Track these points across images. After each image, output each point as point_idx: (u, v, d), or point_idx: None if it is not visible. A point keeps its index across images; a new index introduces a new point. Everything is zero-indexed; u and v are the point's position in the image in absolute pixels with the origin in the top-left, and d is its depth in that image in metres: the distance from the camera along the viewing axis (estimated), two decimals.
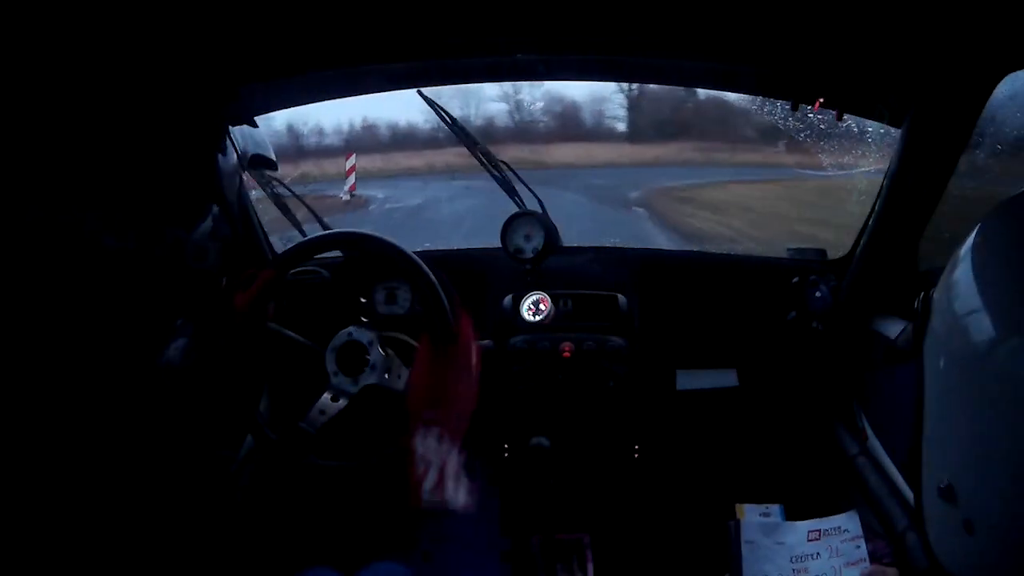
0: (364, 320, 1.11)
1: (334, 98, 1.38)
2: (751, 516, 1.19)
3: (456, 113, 1.29)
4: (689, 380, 1.42)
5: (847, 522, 1.14)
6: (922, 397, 0.48)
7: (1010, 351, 0.39)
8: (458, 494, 0.73)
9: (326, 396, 1.01)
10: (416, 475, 0.74)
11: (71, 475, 0.40)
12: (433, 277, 1.02)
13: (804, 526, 1.16)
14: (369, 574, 0.57)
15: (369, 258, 1.27)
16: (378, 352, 0.99)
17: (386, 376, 1.01)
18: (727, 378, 1.41)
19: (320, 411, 1.00)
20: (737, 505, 1.21)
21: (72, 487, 0.41)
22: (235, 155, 0.65)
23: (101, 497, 0.43)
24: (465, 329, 0.85)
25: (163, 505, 0.50)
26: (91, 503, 0.42)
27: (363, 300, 1.23)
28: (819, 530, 1.15)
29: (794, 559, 1.13)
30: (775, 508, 1.20)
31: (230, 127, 1.10)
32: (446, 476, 0.74)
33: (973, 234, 0.46)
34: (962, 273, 0.45)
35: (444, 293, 1.01)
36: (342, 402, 1.00)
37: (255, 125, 1.19)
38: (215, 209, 0.46)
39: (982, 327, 0.42)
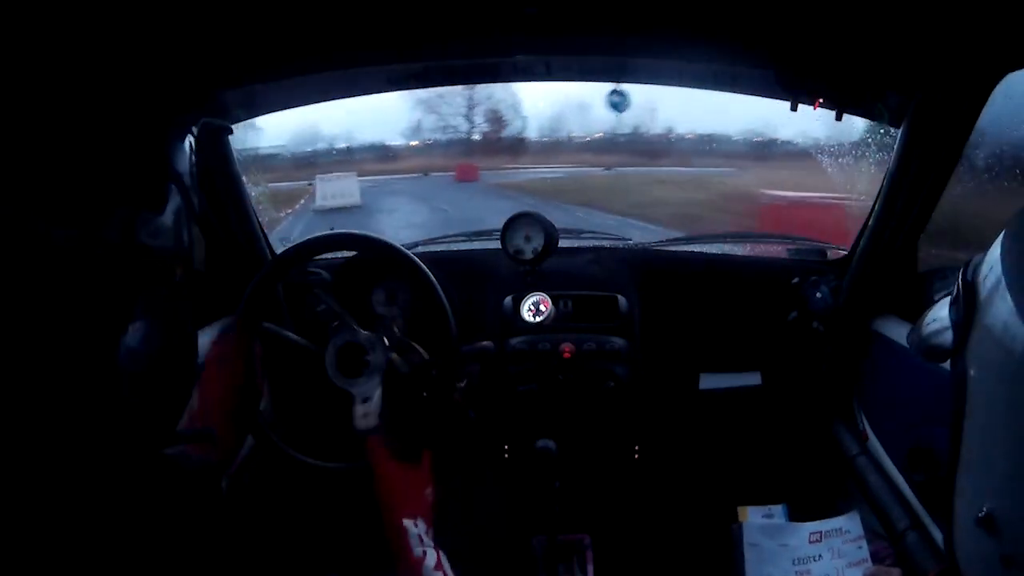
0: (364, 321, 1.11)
1: (331, 100, 1.39)
2: (754, 518, 1.19)
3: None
4: (709, 380, 1.42)
5: (848, 523, 1.14)
6: (962, 411, 0.43)
7: None
8: None
9: (360, 407, 0.98)
10: (413, 558, 0.77)
11: (42, 478, 0.40)
12: (432, 275, 1.02)
13: (805, 528, 1.16)
14: None
15: (369, 258, 1.27)
16: (380, 359, 0.99)
17: (386, 377, 1.01)
18: (750, 378, 1.41)
19: (364, 414, 0.98)
20: (740, 508, 1.21)
21: (45, 490, 0.40)
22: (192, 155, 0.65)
23: (75, 500, 0.42)
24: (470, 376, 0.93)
25: (140, 504, 0.49)
26: (66, 506, 0.42)
27: (363, 301, 1.23)
28: (820, 532, 1.15)
29: (796, 561, 1.13)
30: (778, 509, 1.20)
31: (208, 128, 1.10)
32: (441, 561, 0.77)
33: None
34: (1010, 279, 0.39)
35: (443, 291, 1.02)
36: (375, 399, 0.98)
37: (231, 130, 1.19)
38: (173, 191, 0.45)
39: None
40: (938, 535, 0.99)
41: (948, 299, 0.47)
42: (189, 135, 0.70)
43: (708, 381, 1.43)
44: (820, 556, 1.13)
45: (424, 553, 0.77)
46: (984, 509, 0.39)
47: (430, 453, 0.91)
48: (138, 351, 0.43)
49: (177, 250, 0.47)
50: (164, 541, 0.61)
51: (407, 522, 0.79)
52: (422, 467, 0.89)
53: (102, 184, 0.43)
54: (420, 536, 0.78)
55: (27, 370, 0.37)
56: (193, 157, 0.63)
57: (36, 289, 0.37)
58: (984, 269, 0.42)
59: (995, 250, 0.42)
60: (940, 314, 0.52)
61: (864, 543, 1.11)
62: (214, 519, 0.89)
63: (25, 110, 0.39)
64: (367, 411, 0.97)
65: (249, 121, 1.30)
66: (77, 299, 0.38)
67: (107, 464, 0.44)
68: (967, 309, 0.42)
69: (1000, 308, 0.39)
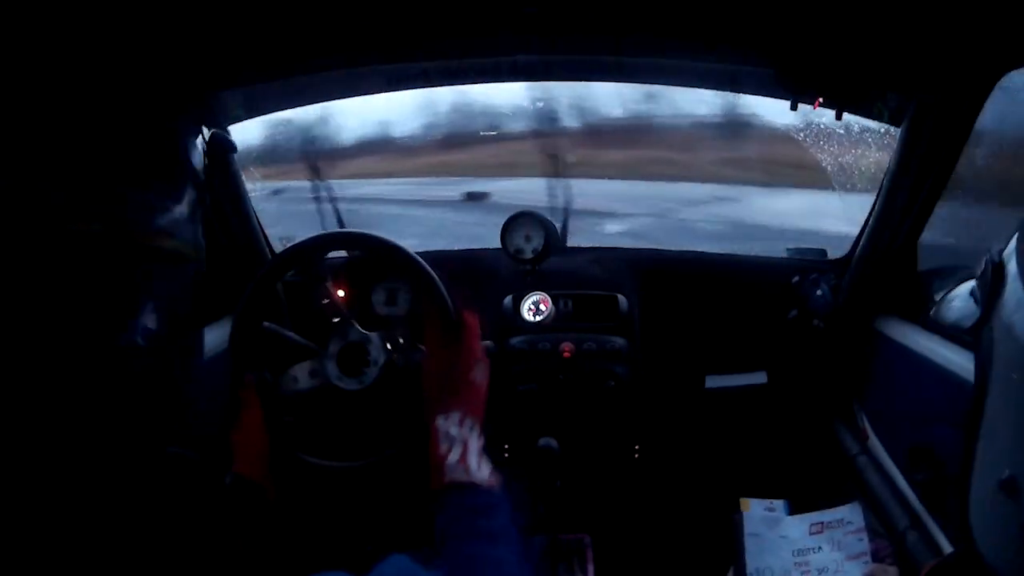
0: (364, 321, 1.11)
1: (331, 100, 1.38)
2: (755, 510, 1.19)
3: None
4: (712, 379, 1.43)
5: (850, 514, 1.14)
6: (985, 380, 0.44)
7: None
8: (482, 469, 0.72)
9: (304, 367, 0.99)
10: (439, 454, 0.73)
11: (48, 475, 0.40)
12: (433, 273, 1.02)
13: (807, 519, 1.16)
14: (380, 570, 0.56)
15: (369, 258, 1.27)
16: (379, 351, 0.99)
17: (387, 374, 1.01)
18: (753, 377, 1.41)
19: (294, 377, 0.99)
20: (741, 499, 1.21)
21: (50, 488, 0.40)
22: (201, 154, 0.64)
23: (82, 497, 0.42)
24: (469, 319, 0.85)
25: (146, 501, 0.49)
26: (65, 500, 0.42)
27: (363, 301, 1.23)
28: (821, 523, 1.15)
29: (796, 552, 1.13)
30: (779, 503, 1.20)
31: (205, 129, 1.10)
32: (469, 452, 0.73)
33: None
34: None
35: (444, 289, 1.01)
36: (316, 382, 0.99)
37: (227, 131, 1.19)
38: (177, 190, 0.45)
39: None
40: (938, 534, 1.00)
41: (970, 281, 0.49)
42: (190, 135, 0.70)
43: (711, 380, 1.43)
44: (820, 548, 1.13)
45: (449, 449, 0.73)
46: (1007, 472, 0.39)
47: (471, 327, 0.84)
48: (142, 345, 0.42)
49: (184, 248, 0.47)
50: (166, 538, 0.61)
51: (439, 420, 0.76)
52: (462, 349, 0.82)
53: (99, 184, 0.43)
54: (448, 431, 0.75)
55: (27, 361, 0.37)
56: (199, 157, 0.63)
57: (35, 282, 0.37)
58: (1007, 254, 0.44)
59: (1012, 243, 0.44)
60: (963, 291, 0.54)
61: (865, 535, 1.11)
62: (218, 516, 0.89)
63: (24, 107, 0.39)
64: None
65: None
66: (75, 293, 0.38)
67: (108, 459, 0.44)
68: (995, 284, 0.44)
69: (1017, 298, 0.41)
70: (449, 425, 0.75)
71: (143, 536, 0.51)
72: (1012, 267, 0.43)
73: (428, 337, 0.86)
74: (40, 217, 0.37)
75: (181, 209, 0.47)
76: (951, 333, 0.93)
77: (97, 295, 0.40)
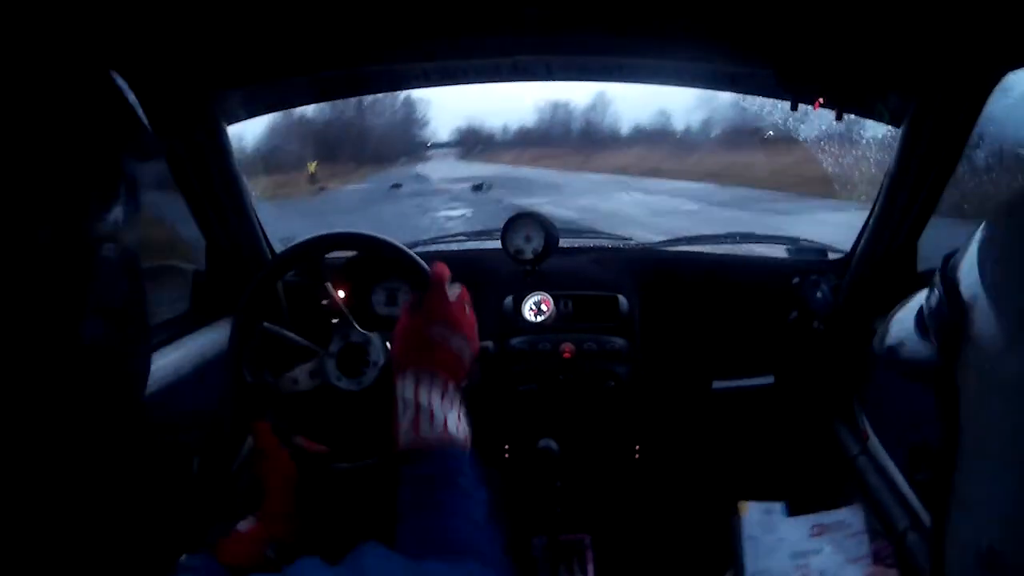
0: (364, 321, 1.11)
1: (331, 100, 1.38)
2: (753, 513, 1.19)
3: None
4: (717, 381, 1.42)
5: (850, 516, 1.14)
6: (956, 432, 0.38)
7: None
8: (434, 429, 0.64)
9: (304, 368, 0.98)
10: (396, 424, 0.66)
11: (38, 481, 0.39)
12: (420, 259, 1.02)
13: (807, 521, 1.15)
14: (356, 556, 0.54)
15: (369, 258, 1.27)
16: (378, 351, 0.99)
17: (386, 375, 1.01)
18: (756, 378, 1.41)
19: (293, 379, 0.98)
20: (740, 502, 1.21)
21: (41, 496, 0.40)
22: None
23: (78, 500, 0.42)
24: (437, 272, 0.75)
25: (142, 503, 0.49)
26: (68, 506, 0.41)
27: (363, 301, 1.23)
28: (822, 525, 1.14)
29: (795, 555, 1.13)
30: (777, 506, 1.20)
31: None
32: (421, 415, 0.65)
33: (981, 233, 0.37)
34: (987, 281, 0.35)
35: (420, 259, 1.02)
36: (316, 382, 0.98)
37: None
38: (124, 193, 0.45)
39: None
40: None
41: (913, 304, 0.43)
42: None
43: (716, 381, 1.43)
44: (820, 550, 1.12)
45: (402, 414, 0.66)
46: (986, 543, 0.35)
47: (437, 291, 0.75)
48: (96, 343, 0.42)
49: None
50: (160, 535, 0.61)
51: (397, 385, 0.69)
52: (425, 311, 0.73)
53: (94, 184, 0.42)
54: (403, 395, 0.67)
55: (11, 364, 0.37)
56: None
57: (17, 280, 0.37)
58: (963, 269, 0.38)
59: (971, 254, 0.37)
60: (907, 324, 0.46)
61: (865, 538, 1.11)
62: (216, 515, 0.89)
63: (21, 108, 0.39)
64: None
65: None
66: (30, 291, 0.38)
67: (81, 457, 0.43)
68: (952, 315, 0.38)
69: (987, 327, 0.35)
70: (404, 388, 0.69)
71: (144, 538, 0.51)
72: (975, 295, 0.36)
73: (403, 306, 0.78)
74: (25, 217, 0.37)
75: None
76: (905, 374, 0.72)
77: (93, 296, 0.40)
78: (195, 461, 0.98)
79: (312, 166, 9.28)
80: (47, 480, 0.40)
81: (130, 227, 0.43)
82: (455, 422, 0.67)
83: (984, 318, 0.36)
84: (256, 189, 1.57)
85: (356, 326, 1.01)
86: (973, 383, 0.37)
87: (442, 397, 0.68)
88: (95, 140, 0.42)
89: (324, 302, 1.07)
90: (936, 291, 0.40)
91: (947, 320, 0.38)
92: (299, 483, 0.91)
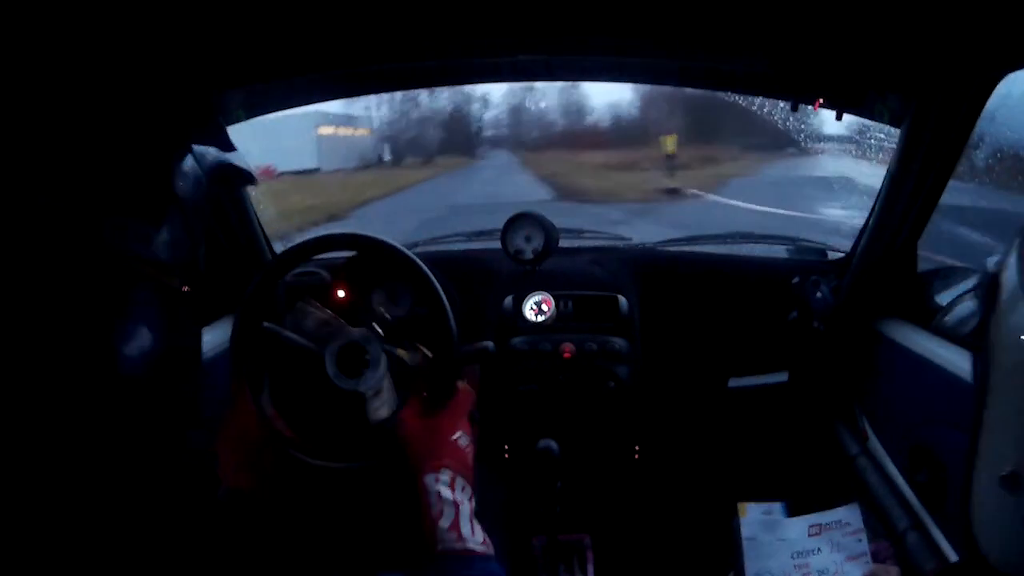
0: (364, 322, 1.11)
1: (331, 99, 1.38)
2: (753, 514, 1.19)
3: None
4: (716, 381, 1.42)
5: (848, 515, 1.14)
6: (986, 378, 0.46)
7: None
8: (475, 535, 0.70)
9: (373, 401, 0.97)
10: (430, 517, 0.71)
11: (38, 486, 0.39)
12: (437, 283, 1.02)
13: (805, 521, 1.15)
14: None
15: (369, 259, 1.26)
16: (378, 351, 0.99)
17: (387, 374, 1.01)
18: (758, 378, 1.41)
19: (377, 407, 0.97)
20: (739, 503, 1.21)
21: (42, 497, 0.40)
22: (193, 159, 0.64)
23: (75, 507, 0.42)
24: (463, 390, 0.86)
25: (146, 509, 0.49)
26: (65, 514, 0.41)
27: (363, 301, 1.23)
28: (820, 524, 1.14)
29: (795, 555, 1.13)
30: (777, 506, 1.20)
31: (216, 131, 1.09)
32: (461, 517, 0.71)
33: None
34: None
35: (448, 301, 1.02)
36: (385, 390, 0.97)
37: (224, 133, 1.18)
38: (170, 206, 0.45)
39: None
40: (938, 535, 0.99)
41: (973, 290, 0.52)
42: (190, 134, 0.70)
43: (714, 381, 1.43)
44: (819, 549, 1.12)
45: (440, 513, 0.71)
46: (1009, 468, 0.41)
47: (462, 397, 0.86)
48: (135, 357, 0.42)
49: (176, 259, 0.47)
50: (168, 544, 0.61)
51: (428, 479, 0.74)
52: (448, 413, 0.83)
53: (98, 188, 0.43)
54: (439, 493, 0.72)
55: (18, 375, 0.37)
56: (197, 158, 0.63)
57: (26, 291, 0.37)
58: (1008, 266, 0.46)
59: (1013, 254, 0.45)
60: (966, 299, 0.55)
61: (864, 536, 1.11)
62: (218, 520, 0.89)
63: (23, 111, 0.39)
64: (380, 403, 0.96)
65: None
66: (67, 303, 0.38)
67: (108, 470, 0.43)
68: (991, 292, 0.46)
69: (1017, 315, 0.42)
70: (440, 486, 0.73)
71: (144, 541, 0.51)
72: (1007, 276, 0.45)
73: (418, 384, 0.86)
74: (35, 218, 0.37)
75: (177, 217, 0.47)
76: (956, 337, 0.99)
77: (95, 302, 0.40)
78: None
79: (669, 141, 7.91)
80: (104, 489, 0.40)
81: (179, 252, 0.43)
82: (479, 529, 0.72)
83: (1014, 305, 0.44)
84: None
85: (347, 327, 1.01)
86: (1000, 340, 0.45)
87: (469, 500, 0.74)
88: (140, 157, 0.42)
89: (324, 301, 1.07)
90: (982, 273, 0.52)
91: (985, 289, 0.48)
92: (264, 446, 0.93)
